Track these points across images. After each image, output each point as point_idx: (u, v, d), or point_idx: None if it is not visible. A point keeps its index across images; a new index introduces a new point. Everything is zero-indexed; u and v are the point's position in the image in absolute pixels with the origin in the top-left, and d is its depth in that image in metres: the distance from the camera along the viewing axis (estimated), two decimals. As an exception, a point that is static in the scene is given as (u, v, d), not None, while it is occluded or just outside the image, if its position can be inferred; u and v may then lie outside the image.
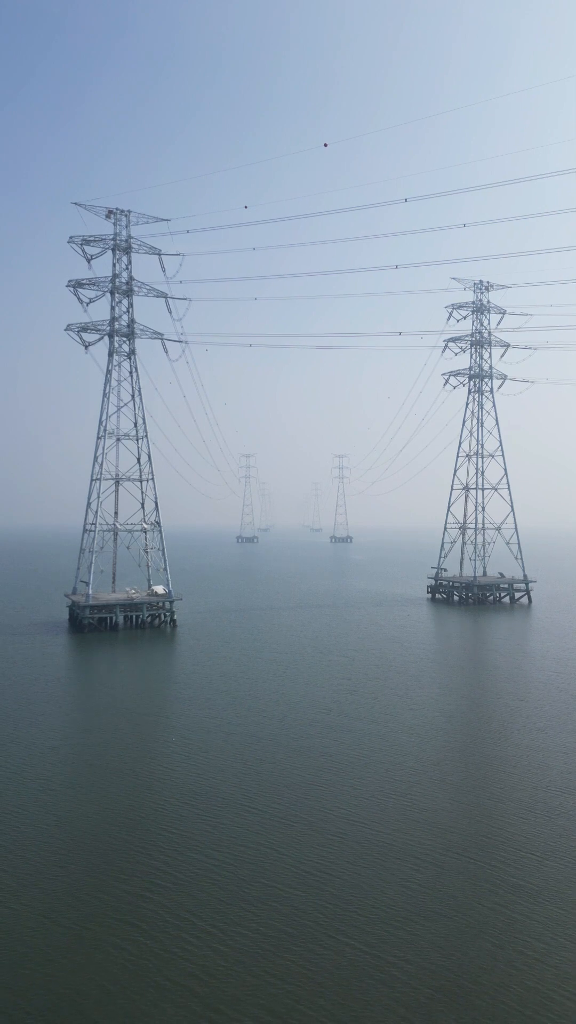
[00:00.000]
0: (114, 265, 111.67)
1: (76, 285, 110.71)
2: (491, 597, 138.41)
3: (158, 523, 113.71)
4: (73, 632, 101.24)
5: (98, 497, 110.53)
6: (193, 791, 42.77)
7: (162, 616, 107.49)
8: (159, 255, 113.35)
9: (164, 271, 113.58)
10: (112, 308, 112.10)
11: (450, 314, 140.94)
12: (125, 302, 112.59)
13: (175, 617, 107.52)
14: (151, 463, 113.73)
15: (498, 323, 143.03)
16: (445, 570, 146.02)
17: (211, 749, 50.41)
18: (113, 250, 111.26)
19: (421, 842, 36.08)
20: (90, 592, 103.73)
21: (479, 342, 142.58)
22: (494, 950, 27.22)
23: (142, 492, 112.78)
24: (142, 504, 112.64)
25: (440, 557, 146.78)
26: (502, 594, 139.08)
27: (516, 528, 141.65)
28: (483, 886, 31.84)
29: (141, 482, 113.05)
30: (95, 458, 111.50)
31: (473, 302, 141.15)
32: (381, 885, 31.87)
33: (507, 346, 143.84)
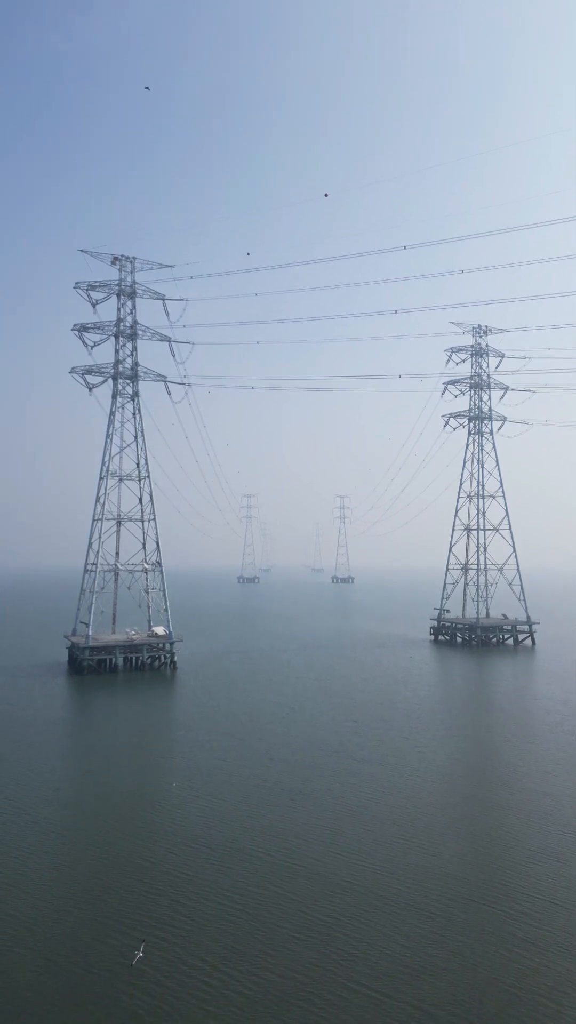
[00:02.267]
0: (119, 310, 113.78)
1: (81, 329, 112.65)
2: (494, 639, 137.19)
3: (159, 563, 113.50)
4: (72, 674, 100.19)
5: (99, 537, 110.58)
6: (194, 837, 41.80)
7: (162, 658, 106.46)
8: (163, 300, 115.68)
9: (168, 315, 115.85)
10: (116, 351, 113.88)
11: (449, 357, 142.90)
12: (129, 345, 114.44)
13: (175, 659, 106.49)
14: (152, 503, 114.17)
15: (497, 366, 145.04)
16: (448, 611, 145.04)
17: (213, 793, 49.44)
18: (118, 295, 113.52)
19: (427, 892, 35.11)
20: (90, 633, 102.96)
21: (478, 384, 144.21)
22: (502, 1008, 26.25)
23: (143, 532, 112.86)
24: (143, 544, 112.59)
25: (442, 598, 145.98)
26: (505, 636, 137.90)
27: (518, 569, 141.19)
28: (491, 939, 30.88)
29: (143, 522, 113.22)
30: (97, 498, 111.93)
31: (472, 346, 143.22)
32: (386, 938, 30.91)
33: (506, 388, 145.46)
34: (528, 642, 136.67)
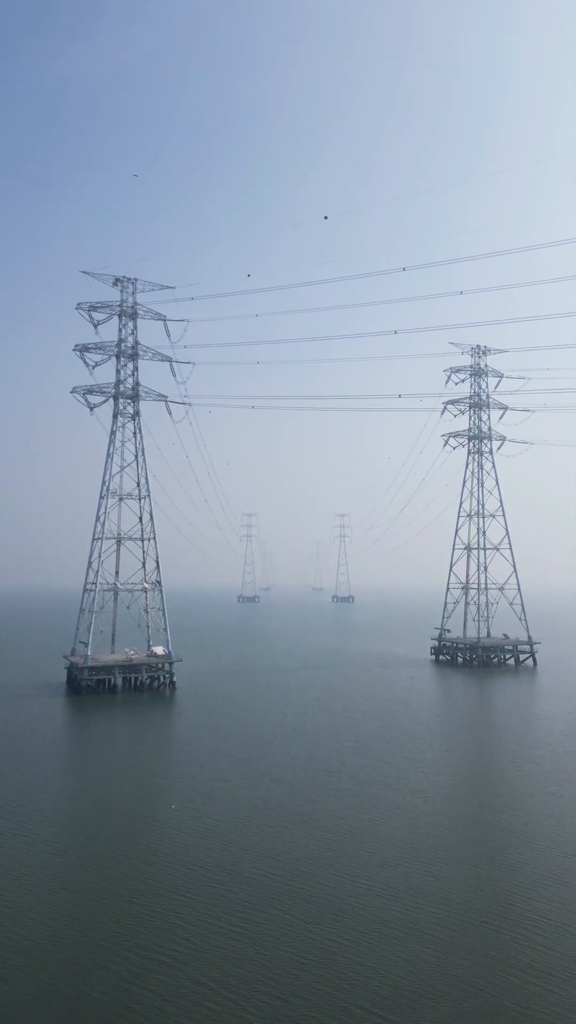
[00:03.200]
0: (120, 330, 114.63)
1: (83, 349, 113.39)
2: (496, 659, 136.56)
3: (159, 583, 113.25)
4: (71, 694, 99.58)
5: (99, 556, 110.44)
6: (194, 859, 41.29)
7: (161, 677, 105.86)
8: (164, 321, 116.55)
9: (169, 336, 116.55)
10: (117, 371, 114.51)
11: (448, 377, 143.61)
12: (130, 365, 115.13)
13: (174, 679, 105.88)
14: (153, 522, 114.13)
15: (496, 386, 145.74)
16: (448, 631, 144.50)
17: (212, 814, 48.91)
18: (119, 316, 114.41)
19: (428, 917, 34.62)
20: (89, 653, 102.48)
21: (477, 404, 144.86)
22: (508, 1035, 25.77)
23: (143, 551, 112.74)
24: (143, 564, 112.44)
25: (443, 618, 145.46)
26: (507, 656, 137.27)
27: (519, 588, 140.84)
28: (494, 965, 30.39)
29: (143, 541, 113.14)
30: (97, 517, 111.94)
31: (471, 366, 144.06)
32: (387, 963, 30.42)
33: (505, 408, 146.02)
34: (529, 662, 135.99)
